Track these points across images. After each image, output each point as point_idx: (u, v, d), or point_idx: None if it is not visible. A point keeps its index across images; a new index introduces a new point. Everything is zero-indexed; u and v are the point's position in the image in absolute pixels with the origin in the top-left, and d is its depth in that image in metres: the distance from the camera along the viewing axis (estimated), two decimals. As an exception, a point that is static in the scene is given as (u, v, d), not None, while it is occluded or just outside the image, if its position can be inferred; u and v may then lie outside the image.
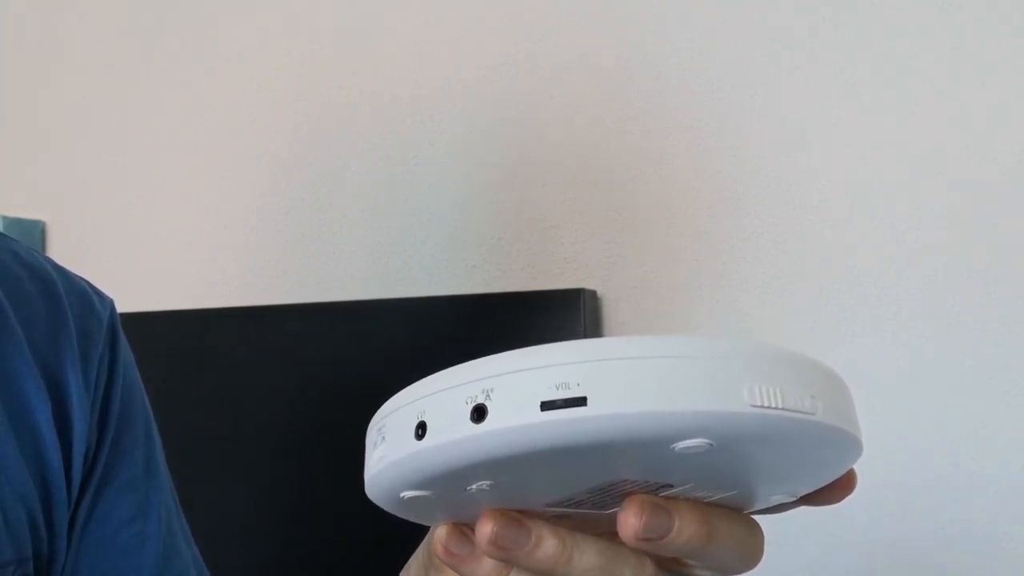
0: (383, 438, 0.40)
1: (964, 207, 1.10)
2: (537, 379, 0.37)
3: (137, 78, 1.48)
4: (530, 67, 1.27)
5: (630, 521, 0.41)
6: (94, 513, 0.70)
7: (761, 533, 0.45)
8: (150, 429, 0.75)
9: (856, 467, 0.44)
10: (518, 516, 0.43)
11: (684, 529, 0.42)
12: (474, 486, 0.40)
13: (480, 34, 1.30)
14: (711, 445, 0.38)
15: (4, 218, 1.44)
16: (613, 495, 0.42)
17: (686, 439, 0.37)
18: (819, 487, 0.45)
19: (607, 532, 0.44)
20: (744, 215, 1.18)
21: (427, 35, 1.33)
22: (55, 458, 0.67)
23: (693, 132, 1.20)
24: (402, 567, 0.55)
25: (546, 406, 0.36)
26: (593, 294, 1.21)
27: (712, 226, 1.19)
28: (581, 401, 0.36)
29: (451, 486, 0.40)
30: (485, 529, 0.42)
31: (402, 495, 0.41)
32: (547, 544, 0.43)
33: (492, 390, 0.37)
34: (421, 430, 0.38)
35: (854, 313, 1.13)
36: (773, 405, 0.37)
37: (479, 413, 0.37)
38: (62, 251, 1.47)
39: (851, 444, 0.41)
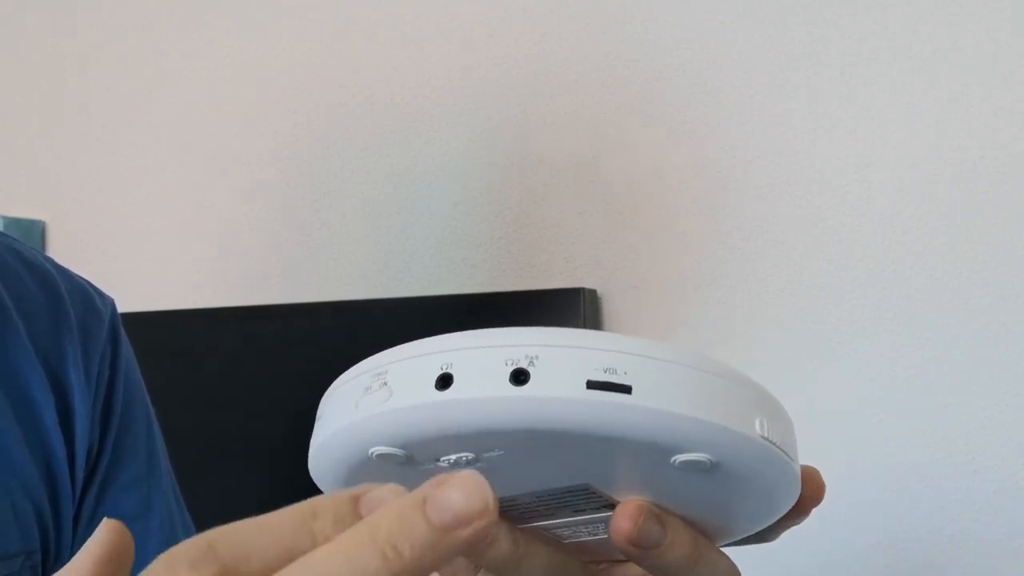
0: (384, 384, 0.39)
1: (964, 207, 1.10)
2: (586, 359, 0.37)
3: (137, 78, 1.48)
4: (530, 67, 1.27)
5: (623, 525, 0.40)
6: (97, 512, 0.70)
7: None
8: (152, 427, 0.75)
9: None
10: None
11: (675, 544, 0.41)
12: (452, 457, 0.39)
13: (480, 34, 1.30)
14: (710, 463, 0.38)
15: (4, 218, 1.44)
16: (563, 507, 0.42)
17: (692, 452, 0.38)
18: (730, 539, 0.44)
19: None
20: (744, 215, 1.18)
21: (427, 35, 1.33)
22: (60, 451, 0.68)
23: (693, 132, 1.20)
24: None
25: (592, 385, 0.37)
26: (593, 294, 1.21)
27: (712, 226, 1.19)
28: (626, 389, 0.37)
29: (427, 451, 0.39)
30: None
31: (372, 451, 0.39)
32: (501, 545, 0.42)
33: (536, 357, 0.37)
34: (443, 383, 0.37)
35: (854, 313, 1.13)
36: (775, 441, 0.39)
37: (517, 377, 0.37)
38: (62, 251, 1.47)
39: (791, 499, 0.42)
